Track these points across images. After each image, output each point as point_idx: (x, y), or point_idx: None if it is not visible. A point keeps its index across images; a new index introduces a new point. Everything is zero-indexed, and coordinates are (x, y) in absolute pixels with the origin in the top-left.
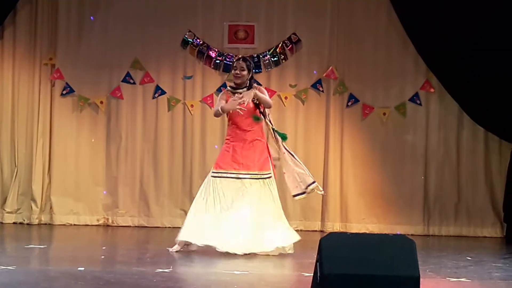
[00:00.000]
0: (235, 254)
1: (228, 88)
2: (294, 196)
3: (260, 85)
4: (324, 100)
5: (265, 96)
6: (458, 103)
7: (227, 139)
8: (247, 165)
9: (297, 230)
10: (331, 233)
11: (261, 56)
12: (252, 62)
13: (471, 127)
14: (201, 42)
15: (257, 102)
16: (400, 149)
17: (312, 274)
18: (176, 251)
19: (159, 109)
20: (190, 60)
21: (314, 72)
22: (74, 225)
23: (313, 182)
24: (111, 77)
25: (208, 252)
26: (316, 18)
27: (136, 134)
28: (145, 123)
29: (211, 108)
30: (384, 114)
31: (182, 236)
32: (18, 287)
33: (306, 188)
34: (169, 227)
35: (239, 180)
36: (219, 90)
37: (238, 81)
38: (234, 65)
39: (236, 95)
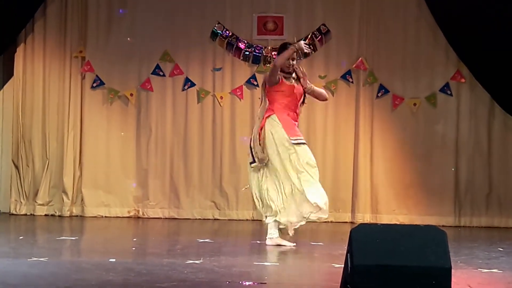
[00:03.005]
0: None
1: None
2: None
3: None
4: (353, 91)
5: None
6: (489, 93)
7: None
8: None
9: (327, 222)
10: (361, 224)
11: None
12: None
13: (502, 117)
14: (230, 34)
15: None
16: (430, 140)
17: (343, 265)
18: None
19: (189, 101)
20: (219, 52)
21: (343, 63)
22: (105, 217)
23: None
24: (141, 69)
25: (238, 244)
26: (345, 9)
27: (166, 126)
28: (174, 115)
29: (240, 100)
30: (415, 104)
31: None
32: (50, 278)
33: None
34: (199, 219)
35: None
36: (248, 82)
37: (289, 70)
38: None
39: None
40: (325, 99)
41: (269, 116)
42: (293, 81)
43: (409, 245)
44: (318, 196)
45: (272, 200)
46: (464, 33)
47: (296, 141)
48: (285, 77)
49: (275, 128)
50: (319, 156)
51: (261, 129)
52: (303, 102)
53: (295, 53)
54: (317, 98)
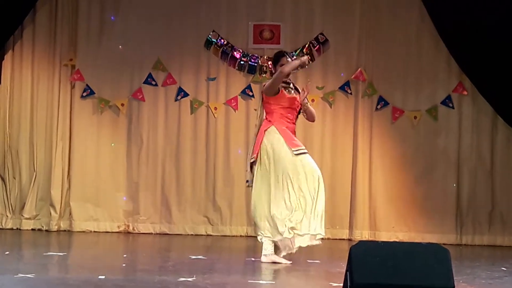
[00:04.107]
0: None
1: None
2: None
3: None
4: (352, 102)
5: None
6: (492, 106)
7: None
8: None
9: (323, 239)
10: (361, 242)
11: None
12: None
13: (505, 131)
14: (225, 43)
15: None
16: (431, 154)
17: (342, 284)
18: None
19: (182, 112)
20: (214, 61)
21: (342, 75)
22: (94, 232)
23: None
24: (133, 78)
25: (232, 261)
26: (344, 18)
27: (158, 137)
28: (167, 126)
29: (235, 111)
30: (415, 117)
31: None
32: None
33: None
34: (192, 235)
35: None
36: (243, 92)
37: (287, 79)
38: (281, 59)
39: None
40: (314, 121)
41: (267, 129)
42: (292, 92)
43: (411, 263)
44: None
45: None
46: (466, 44)
47: (298, 152)
48: (284, 87)
49: (275, 142)
50: None
51: (259, 144)
52: (298, 114)
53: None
54: (307, 117)
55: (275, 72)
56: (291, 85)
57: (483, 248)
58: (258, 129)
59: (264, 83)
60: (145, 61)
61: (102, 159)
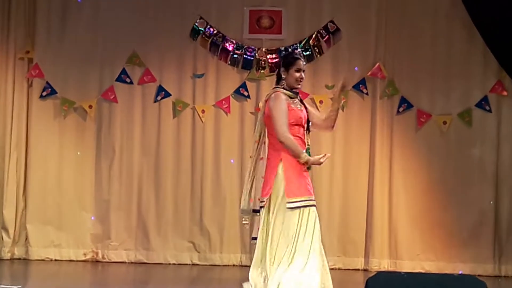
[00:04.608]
0: None
1: (283, 91)
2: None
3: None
4: (369, 104)
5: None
6: None
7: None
8: None
9: (334, 269)
10: (380, 273)
11: (289, 50)
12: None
13: None
14: (215, 32)
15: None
16: (464, 166)
17: None
18: None
19: (162, 115)
20: (201, 54)
21: (356, 69)
22: (56, 260)
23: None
24: (103, 75)
25: None
26: (360, 3)
27: (134, 146)
28: (144, 133)
29: (227, 114)
30: (445, 123)
31: None
32: None
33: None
34: (174, 264)
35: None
36: (237, 92)
37: (299, 87)
38: (296, 63)
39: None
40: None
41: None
42: (298, 106)
43: None
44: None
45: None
46: (506, 35)
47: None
48: (291, 97)
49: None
50: (325, 187)
51: (272, 185)
52: (308, 129)
53: (302, 71)
54: (325, 125)
55: (283, 77)
56: (299, 97)
57: None
58: (260, 156)
59: (270, 96)
60: (118, 54)
61: (65, 173)
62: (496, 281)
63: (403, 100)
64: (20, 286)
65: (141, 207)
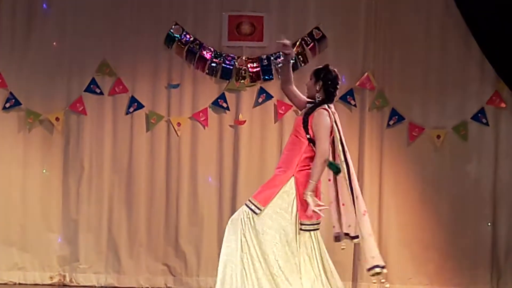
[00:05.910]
0: None
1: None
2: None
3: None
4: (357, 117)
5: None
6: None
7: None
8: None
9: None
10: None
11: (272, 58)
12: (325, 71)
13: None
14: (191, 39)
15: None
16: (459, 184)
17: None
18: None
19: (135, 129)
20: (176, 63)
21: (343, 80)
22: (20, 284)
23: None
24: (71, 85)
25: None
26: (347, 8)
27: (104, 162)
28: (115, 147)
29: (204, 127)
30: (439, 137)
31: None
32: None
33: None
34: None
35: None
36: (215, 103)
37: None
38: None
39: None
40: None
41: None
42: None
43: None
44: None
45: None
46: (505, 43)
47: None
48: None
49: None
50: None
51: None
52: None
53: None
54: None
55: (321, 95)
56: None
57: None
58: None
59: (311, 112)
60: (87, 63)
61: (30, 190)
62: None
63: (393, 112)
64: None
65: (112, 227)
